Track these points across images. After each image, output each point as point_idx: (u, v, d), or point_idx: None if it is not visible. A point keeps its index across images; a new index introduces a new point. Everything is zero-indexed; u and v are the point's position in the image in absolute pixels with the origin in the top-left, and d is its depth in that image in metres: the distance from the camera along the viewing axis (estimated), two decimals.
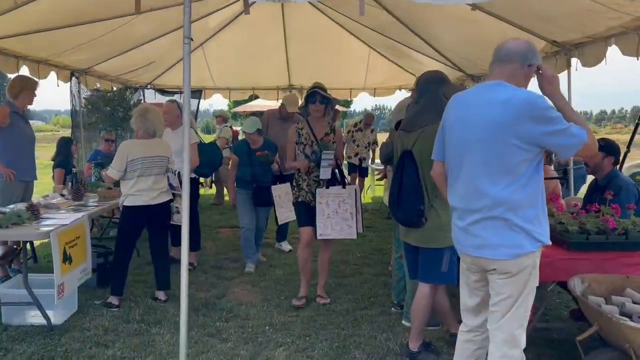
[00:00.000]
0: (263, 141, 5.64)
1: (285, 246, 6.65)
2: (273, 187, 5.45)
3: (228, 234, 7.53)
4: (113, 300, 4.51)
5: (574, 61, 5.52)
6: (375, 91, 10.82)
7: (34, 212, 3.93)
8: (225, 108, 21.99)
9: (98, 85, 8.67)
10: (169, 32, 7.93)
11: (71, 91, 7.97)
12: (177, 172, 4.77)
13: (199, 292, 4.96)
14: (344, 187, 4.50)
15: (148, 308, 4.52)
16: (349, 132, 10.37)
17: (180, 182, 4.75)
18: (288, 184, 5.41)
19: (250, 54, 9.47)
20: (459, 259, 3.54)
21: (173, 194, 4.81)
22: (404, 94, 11.04)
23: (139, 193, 4.45)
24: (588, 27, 4.78)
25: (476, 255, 2.50)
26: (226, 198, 10.12)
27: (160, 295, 4.68)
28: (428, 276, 3.47)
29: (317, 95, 4.52)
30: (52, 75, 7.31)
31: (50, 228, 3.84)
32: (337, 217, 4.43)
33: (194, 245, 5.66)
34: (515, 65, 2.48)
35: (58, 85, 7.50)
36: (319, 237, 4.49)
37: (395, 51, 8.52)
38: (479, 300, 2.67)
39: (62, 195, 5.01)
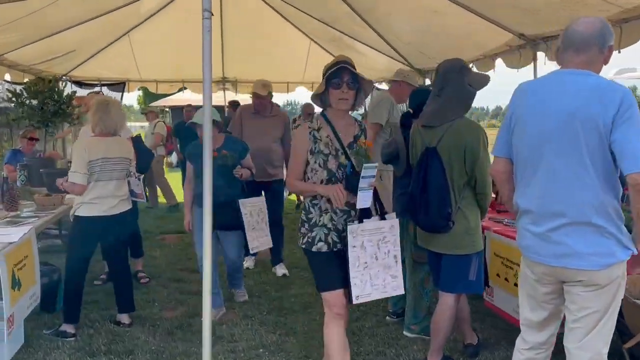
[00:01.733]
0: (225, 139, 4.25)
1: (280, 270, 5.37)
2: (242, 201, 4.15)
3: (175, 241, 6.85)
4: (67, 328, 3.80)
5: (541, 55, 5.51)
6: (313, 85, 10.45)
7: None
8: (135, 103, 20.60)
9: (7, 76, 7.60)
10: (93, 18, 7.09)
11: None
12: (141, 177, 4.11)
13: (165, 311, 4.35)
14: (382, 218, 2.88)
15: (112, 335, 3.86)
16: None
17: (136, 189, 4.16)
18: (263, 197, 4.47)
19: (180, 44, 8.73)
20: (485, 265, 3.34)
21: (133, 201, 4.15)
22: None
23: (96, 201, 3.76)
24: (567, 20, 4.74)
25: (558, 265, 2.24)
26: (161, 199, 9.35)
27: (124, 318, 4.03)
28: (454, 286, 3.19)
29: (345, 73, 2.79)
30: None
31: None
32: (377, 266, 2.80)
33: (136, 251, 5.05)
34: (593, 51, 2.23)
35: None
36: (355, 302, 2.79)
37: (340, 43, 8.22)
38: (546, 314, 2.42)
39: None
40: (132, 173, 4.02)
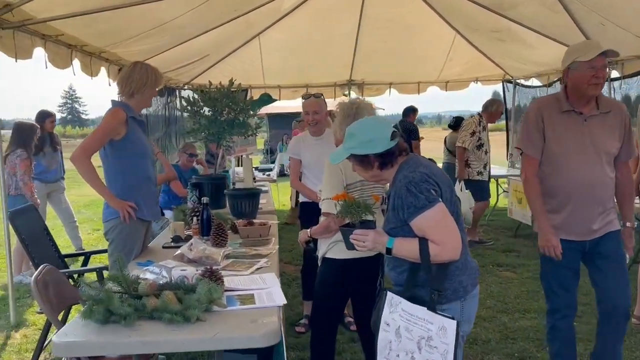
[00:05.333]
0: None
1: None
2: None
3: None
4: None
5: None
6: (447, 85, 9.43)
7: (216, 280, 2.30)
8: None
9: None
10: (229, 21, 6.42)
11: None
12: None
13: None
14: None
15: None
16: (473, 133, 6.34)
17: None
18: None
19: (311, 45, 7.97)
20: None
21: None
22: (480, 87, 9.77)
23: None
24: None
25: None
26: None
27: None
28: None
29: None
30: (103, 72, 5.66)
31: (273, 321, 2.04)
32: None
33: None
34: None
35: (110, 85, 5.85)
36: None
37: (501, 35, 7.12)
38: None
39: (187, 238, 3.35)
40: None
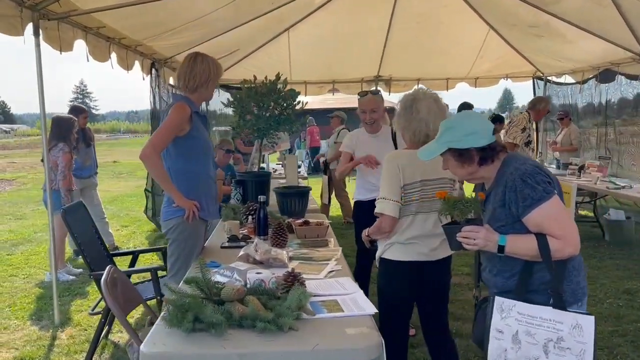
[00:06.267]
0: None
1: None
2: None
3: None
4: None
5: None
6: (476, 81, 9.26)
7: (301, 285, 2.12)
8: None
9: (171, 80, 6.96)
10: (261, 16, 6.30)
11: (151, 86, 6.22)
12: None
13: None
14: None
15: None
16: (524, 129, 5.85)
17: None
18: None
19: (340, 40, 7.83)
20: None
21: None
22: (510, 84, 9.60)
23: (414, 241, 2.56)
24: None
25: None
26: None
27: None
28: None
29: None
30: (137, 66, 5.57)
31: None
32: None
33: None
34: None
35: (144, 79, 5.77)
36: None
37: (540, 30, 6.93)
38: None
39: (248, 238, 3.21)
40: None
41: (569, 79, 8.53)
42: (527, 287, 1.83)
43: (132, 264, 3.64)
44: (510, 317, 1.79)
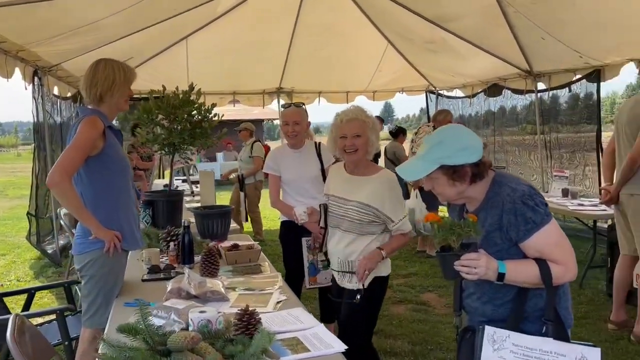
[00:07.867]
0: None
1: None
2: None
3: None
4: None
5: None
6: (374, 94, 9.46)
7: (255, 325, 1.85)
8: None
9: (56, 89, 6.31)
10: (157, 23, 5.94)
11: (33, 96, 5.56)
12: None
13: None
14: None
15: None
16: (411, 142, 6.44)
17: None
18: None
19: (242, 50, 7.60)
20: None
21: None
22: (405, 97, 9.89)
23: None
24: None
25: None
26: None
27: None
28: None
29: None
30: (17, 73, 4.93)
31: None
32: None
33: None
34: None
35: (26, 88, 5.13)
36: None
37: (436, 46, 7.21)
38: None
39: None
40: None
41: (459, 92, 9.00)
42: (522, 315, 1.71)
43: (28, 304, 3.09)
44: (504, 348, 1.61)
